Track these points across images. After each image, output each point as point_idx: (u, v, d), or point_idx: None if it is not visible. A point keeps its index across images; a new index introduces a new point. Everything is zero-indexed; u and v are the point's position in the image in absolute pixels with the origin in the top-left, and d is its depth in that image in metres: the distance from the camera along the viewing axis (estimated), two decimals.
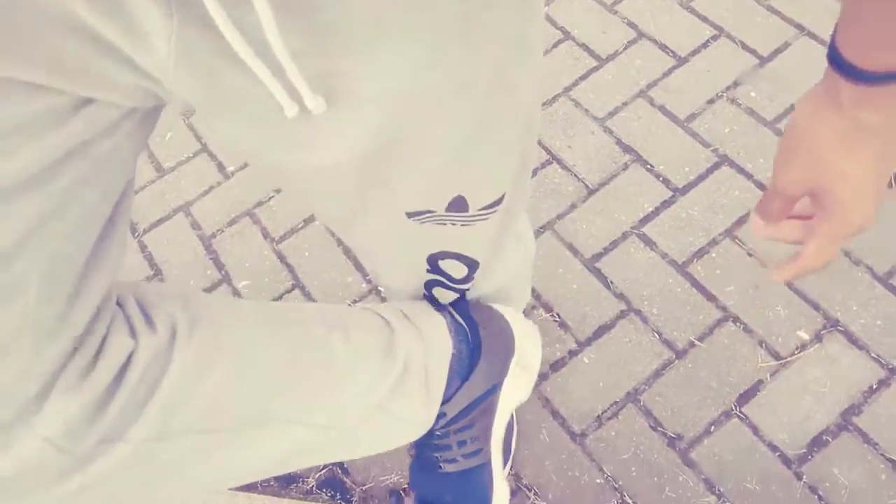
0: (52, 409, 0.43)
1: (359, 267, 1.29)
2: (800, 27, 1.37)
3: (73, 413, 0.44)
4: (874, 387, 1.04)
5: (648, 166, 1.28)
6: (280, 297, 1.29)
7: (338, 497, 1.10)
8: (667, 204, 1.24)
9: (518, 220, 0.73)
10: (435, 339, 0.73)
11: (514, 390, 0.82)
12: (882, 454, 0.99)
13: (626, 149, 1.31)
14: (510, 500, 1.04)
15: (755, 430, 1.04)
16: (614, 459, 1.05)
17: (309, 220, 1.36)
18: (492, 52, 0.44)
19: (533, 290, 1.18)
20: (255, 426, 0.56)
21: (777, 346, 1.09)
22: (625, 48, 1.41)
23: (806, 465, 1.00)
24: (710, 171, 1.26)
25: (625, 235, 1.23)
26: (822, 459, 1.00)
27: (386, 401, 0.66)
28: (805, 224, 0.53)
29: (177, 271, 1.35)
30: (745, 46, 1.36)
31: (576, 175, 1.30)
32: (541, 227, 1.25)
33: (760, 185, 1.23)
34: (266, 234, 1.36)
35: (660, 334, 1.13)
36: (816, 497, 0.98)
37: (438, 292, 0.76)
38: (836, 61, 0.41)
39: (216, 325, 0.53)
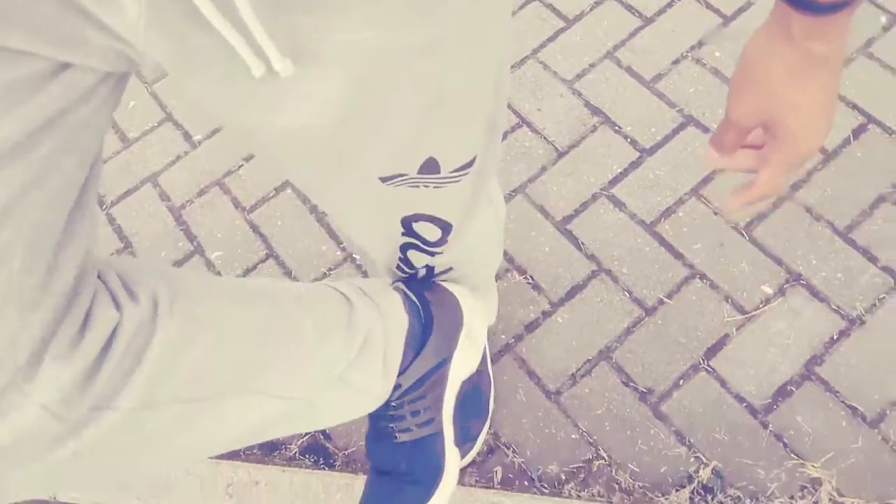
0: (46, 377, 0.43)
1: (332, 235, 1.29)
2: None
3: (66, 381, 0.44)
4: (835, 337, 1.08)
5: (616, 128, 1.29)
6: (254, 267, 1.29)
7: (321, 462, 1.12)
8: (634, 165, 1.26)
9: (490, 182, 0.74)
10: (391, 315, 0.76)
11: (464, 362, 0.86)
12: (843, 401, 1.03)
13: (595, 111, 1.32)
14: (489, 458, 1.07)
15: (723, 383, 1.07)
16: (588, 415, 1.08)
17: (280, 189, 1.35)
18: (459, 9, 0.44)
19: (505, 254, 1.19)
20: (234, 395, 0.57)
21: (742, 301, 1.12)
22: (591, 9, 1.42)
23: (771, 414, 1.04)
24: (675, 131, 1.27)
25: (594, 197, 1.24)
26: (786, 409, 1.04)
27: (347, 373, 0.68)
28: (757, 153, 0.55)
29: (147, 243, 1.34)
30: (708, 6, 1.37)
31: (545, 138, 1.31)
32: (512, 191, 1.26)
33: None
34: (237, 204, 1.35)
35: (630, 293, 1.15)
36: (782, 444, 1.02)
37: (413, 255, 0.77)
38: None
39: (195, 300, 0.54)
